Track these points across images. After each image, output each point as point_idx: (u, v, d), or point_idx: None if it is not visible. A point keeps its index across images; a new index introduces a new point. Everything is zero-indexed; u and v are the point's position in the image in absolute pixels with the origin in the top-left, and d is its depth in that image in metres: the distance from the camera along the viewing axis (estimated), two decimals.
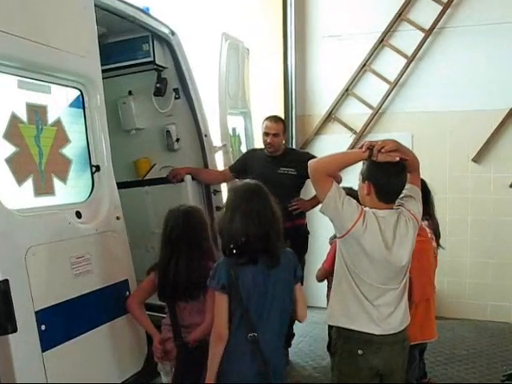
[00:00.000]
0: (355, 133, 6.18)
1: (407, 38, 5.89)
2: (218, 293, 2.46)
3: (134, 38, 4.21)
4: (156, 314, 3.17)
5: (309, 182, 4.52)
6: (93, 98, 2.75)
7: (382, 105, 6.05)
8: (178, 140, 4.44)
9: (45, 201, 2.50)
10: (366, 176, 2.53)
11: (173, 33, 4.22)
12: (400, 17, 5.90)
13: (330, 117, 6.28)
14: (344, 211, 2.44)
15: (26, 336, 2.22)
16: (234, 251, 2.45)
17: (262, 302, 2.46)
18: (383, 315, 2.52)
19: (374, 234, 2.46)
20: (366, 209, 2.50)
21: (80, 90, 2.74)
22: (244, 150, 5.42)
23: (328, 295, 3.63)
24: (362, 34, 6.00)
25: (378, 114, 6.09)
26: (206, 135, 4.44)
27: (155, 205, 4.56)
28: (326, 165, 2.53)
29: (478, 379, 4.39)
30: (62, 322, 2.43)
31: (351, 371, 2.54)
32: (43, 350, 2.30)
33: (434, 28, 5.76)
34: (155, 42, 4.20)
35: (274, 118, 4.48)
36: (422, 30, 5.81)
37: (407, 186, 2.60)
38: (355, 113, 6.20)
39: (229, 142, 4.87)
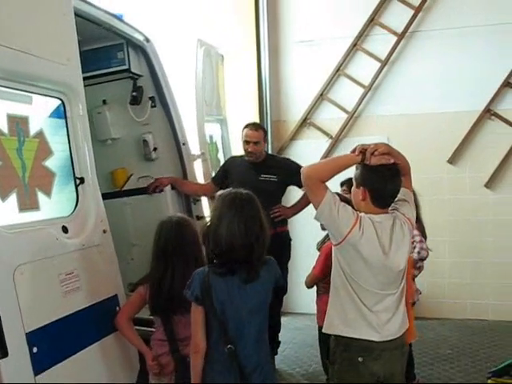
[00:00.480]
0: (331, 137, 6.19)
1: (380, 42, 5.94)
2: (193, 303, 2.41)
3: (109, 46, 4.12)
4: (144, 328, 3.07)
5: (290, 189, 4.58)
6: (75, 108, 2.65)
7: (356, 109, 6.08)
8: (155, 149, 4.35)
9: (30, 216, 2.39)
10: (361, 181, 2.50)
11: (148, 40, 4.15)
12: (373, 21, 5.94)
13: (306, 122, 6.28)
14: (340, 218, 2.40)
15: (17, 360, 2.12)
16: (215, 260, 2.39)
17: (239, 316, 2.39)
18: (382, 321, 2.48)
19: (370, 239, 2.42)
20: (362, 214, 2.47)
21: (61, 100, 2.64)
22: (221, 157, 5.39)
23: (317, 301, 3.60)
24: (335, 38, 6.01)
25: (353, 117, 6.12)
26: (183, 143, 4.38)
27: (134, 216, 4.46)
28: (319, 171, 2.48)
29: (464, 378, 4.41)
30: (54, 343, 2.33)
31: (352, 379, 2.50)
32: (36, 374, 2.20)
33: (406, 32, 5.83)
34: (130, 50, 4.12)
35: (255, 126, 4.44)
36: (394, 33, 5.87)
37: (401, 189, 2.58)
38: (330, 117, 6.21)
39: (207, 150, 4.80)
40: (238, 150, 5.63)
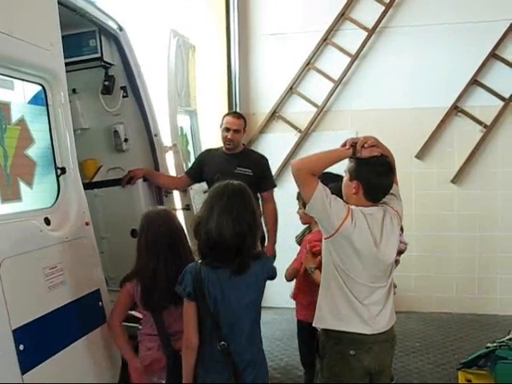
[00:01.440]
0: (300, 131, 6.19)
1: (350, 37, 5.97)
2: (185, 299, 2.37)
3: (80, 33, 3.96)
4: (130, 324, 2.97)
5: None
6: (57, 95, 2.53)
7: (326, 103, 6.10)
8: (126, 140, 4.21)
9: (12, 207, 2.27)
10: (355, 175, 2.49)
11: (121, 28, 4.01)
12: (343, 16, 5.96)
13: (274, 115, 6.26)
14: (332, 210, 2.39)
15: (4, 359, 2.01)
16: (208, 252, 2.35)
17: (233, 311, 2.36)
18: (373, 314, 2.49)
19: (363, 231, 2.43)
20: (353, 207, 2.46)
21: (43, 86, 2.51)
22: (191, 149, 5.31)
23: (296, 294, 3.56)
24: (306, 32, 6.01)
25: (322, 112, 6.14)
26: (155, 135, 4.25)
27: (104, 208, 4.32)
28: (311, 164, 2.45)
29: (433, 369, 4.51)
30: (40, 340, 2.22)
31: (343, 372, 2.49)
32: (23, 372, 2.09)
33: (376, 27, 5.87)
34: (102, 38, 3.97)
35: (236, 114, 4.41)
36: (364, 29, 5.90)
37: None
38: (300, 111, 6.21)
39: (179, 142, 4.70)
40: (207, 142, 5.58)
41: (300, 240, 3.57)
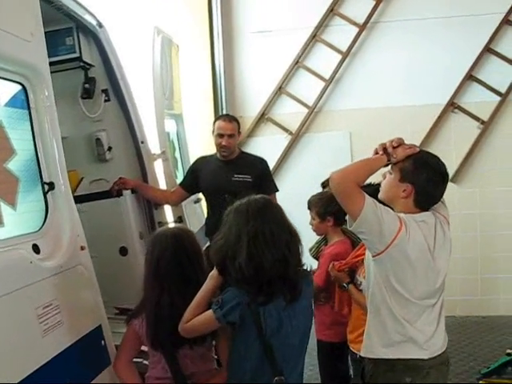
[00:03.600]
0: (291, 133, 5.91)
1: (340, 33, 5.73)
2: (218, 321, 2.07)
3: (55, 31, 3.56)
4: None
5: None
6: (40, 96, 2.15)
7: (317, 103, 5.83)
8: (110, 149, 3.84)
9: None
10: (410, 177, 2.20)
11: (100, 25, 3.65)
12: (332, 11, 5.71)
13: (263, 117, 5.96)
14: (385, 222, 2.12)
15: None
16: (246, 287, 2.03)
17: (289, 341, 2.08)
18: (427, 336, 2.23)
19: (418, 241, 2.17)
20: (402, 215, 2.19)
21: (23, 85, 2.12)
22: (178, 156, 4.97)
23: (316, 313, 3.24)
24: (294, 29, 5.73)
25: (313, 112, 5.87)
26: (142, 142, 3.91)
27: (90, 225, 3.90)
28: (354, 174, 2.18)
29: (452, 380, 4.20)
30: None
31: None
32: None
33: (367, 22, 5.64)
34: (80, 35, 3.61)
35: (228, 117, 4.04)
36: (355, 24, 5.66)
37: None
38: (290, 112, 5.93)
39: (168, 149, 4.35)
40: (194, 148, 5.24)
41: (316, 253, 3.26)
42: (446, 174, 2.27)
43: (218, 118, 4.09)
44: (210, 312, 2.08)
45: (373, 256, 2.22)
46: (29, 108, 2.14)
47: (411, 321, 2.23)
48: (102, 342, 2.32)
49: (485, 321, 5.59)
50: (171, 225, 4.16)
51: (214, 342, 2.33)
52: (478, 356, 4.67)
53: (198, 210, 4.78)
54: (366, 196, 2.13)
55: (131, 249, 3.75)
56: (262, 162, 4.09)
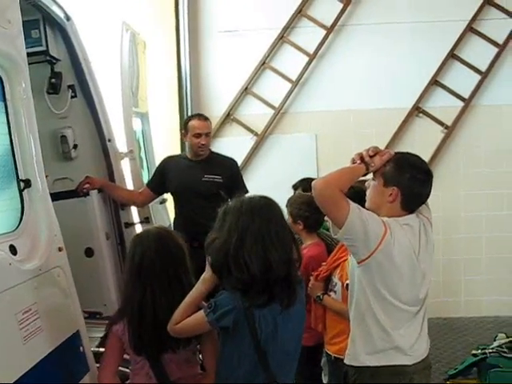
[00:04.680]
0: (256, 134, 5.85)
1: (308, 35, 5.72)
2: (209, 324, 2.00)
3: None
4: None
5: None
6: (17, 87, 2.02)
7: (283, 104, 5.80)
8: (75, 146, 3.69)
9: None
10: (395, 181, 2.19)
11: (68, 18, 3.51)
12: (300, 13, 5.69)
13: (229, 118, 5.88)
14: (370, 227, 2.09)
15: None
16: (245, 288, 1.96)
17: (284, 347, 2.03)
18: (411, 342, 2.22)
19: (403, 244, 2.15)
20: (385, 218, 2.14)
21: None
22: (143, 156, 4.85)
23: None
24: (261, 29, 5.69)
25: (279, 113, 5.84)
26: (109, 140, 3.78)
27: None
28: (337, 181, 2.14)
29: None
30: None
31: None
32: None
33: (335, 25, 5.65)
34: (47, 28, 3.46)
35: (203, 116, 3.98)
36: (323, 26, 5.67)
37: None
38: (255, 113, 5.88)
39: (135, 148, 4.23)
40: (158, 148, 5.12)
41: None
42: (430, 172, 2.26)
43: (191, 117, 4.02)
44: (201, 315, 2.01)
45: (358, 262, 2.19)
46: (4, 100, 2.01)
47: (396, 327, 2.21)
48: (81, 347, 2.21)
49: (446, 322, 5.69)
50: (138, 226, 4.06)
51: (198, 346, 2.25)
52: (443, 357, 4.76)
53: (163, 210, 4.68)
54: (350, 202, 2.10)
55: (97, 250, 3.64)
56: (232, 163, 4.06)
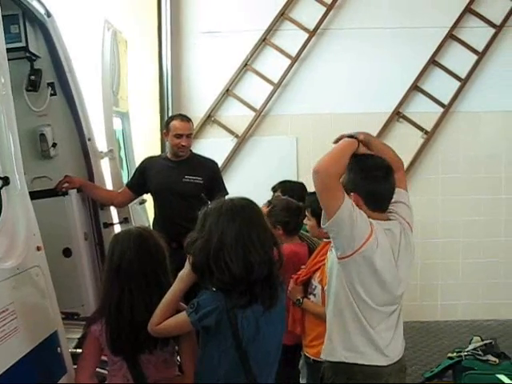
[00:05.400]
0: (237, 136, 5.83)
1: (290, 38, 5.71)
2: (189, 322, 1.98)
3: None
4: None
5: None
6: None
7: (264, 106, 5.79)
8: (54, 145, 3.65)
9: None
10: (351, 186, 2.20)
11: (49, 14, 3.46)
12: (283, 15, 5.68)
13: (209, 119, 5.85)
14: (358, 225, 2.09)
15: None
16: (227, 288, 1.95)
17: (265, 348, 2.02)
18: (386, 342, 2.23)
19: (385, 249, 2.15)
20: (372, 220, 2.15)
21: None
22: (123, 156, 4.81)
23: None
24: (243, 31, 5.66)
25: (260, 116, 5.82)
26: (89, 139, 3.75)
27: None
28: (337, 165, 2.11)
29: None
30: None
31: None
32: None
33: (317, 29, 5.65)
34: (27, 24, 3.41)
35: (185, 117, 3.97)
36: (305, 30, 5.67)
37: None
38: (236, 115, 5.85)
39: (115, 147, 4.19)
40: (138, 148, 5.07)
41: None
42: (384, 167, 2.22)
43: (172, 117, 3.99)
44: (183, 315, 2.00)
45: (338, 258, 2.18)
46: None
47: (373, 325, 2.22)
48: (59, 348, 2.17)
49: (423, 326, 5.74)
50: (117, 226, 4.02)
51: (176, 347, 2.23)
52: (419, 360, 4.81)
53: (143, 211, 4.65)
54: (346, 196, 2.09)
55: (75, 250, 3.60)
56: (213, 165, 4.07)
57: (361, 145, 2.21)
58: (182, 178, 3.81)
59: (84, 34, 4.25)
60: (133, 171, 4.78)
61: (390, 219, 2.25)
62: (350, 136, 2.24)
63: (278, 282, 2.05)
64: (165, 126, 3.95)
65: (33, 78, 3.52)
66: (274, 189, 4.14)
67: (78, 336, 2.70)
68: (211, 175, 3.93)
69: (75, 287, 3.48)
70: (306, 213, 3.08)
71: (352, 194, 2.18)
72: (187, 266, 2.05)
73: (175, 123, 3.86)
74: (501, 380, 3.73)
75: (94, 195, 3.74)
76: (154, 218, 4.06)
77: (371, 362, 2.20)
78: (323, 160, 2.12)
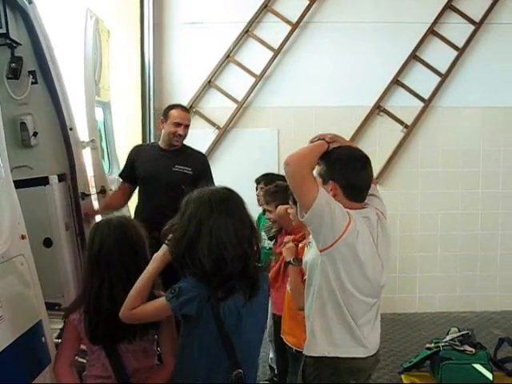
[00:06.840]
0: (218, 128, 5.81)
1: (273, 30, 5.70)
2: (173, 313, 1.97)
3: None
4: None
5: None
6: None
7: (246, 98, 5.77)
8: (35, 134, 3.62)
9: None
10: (329, 176, 2.22)
11: (30, 1, 3.42)
12: (266, 8, 5.67)
13: (191, 110, 5.77)
14: (337, 214, 2.10)
15: None
16: (206, 278, 1.93)
17: (247, 337, 2.01)
18: (365, 334, 2.25)
19: (365, 236, 2.18)
20: (348, 210, 2.16)
21: None
22: (104, 145, 4.79)
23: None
24: (226, 22, 5.64)
25: (242, 108, 5.80)
26: (71, 128, 3.72)
27: None
28: (308, 158, 2.16)
29: (375, 374, 4.35)
30: None
31: None
32: None
33: (300, 22, 5.65)
34: (8, 10, 3.36)
35: (184, 107, 4.04)
36: (288, 22, 5.66)
37: None
38: (218, 106, 5.82)
39: (97, 137, 4.17)
40: (120, 138, 5.04)
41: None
42: (362, 158, 2.27)
43: (172, 106, 3.98)
44: (162, 300, 1.96)
45: (321, 250, 2.19)
46: None
47: (355, 318, 2.23)
48: (43, 338, 2.15)
49: (401, 317, 5.82)
50: (98, 216, 3.99)
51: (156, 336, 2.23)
52: (398, 351, 4.87)
53: None
54: (320, 186, 2.12)
55: (56, 240, 3.59)
56: (203, 157, 4.14)
57: (331, 145, 2.24)
58: (171, 167, 3.82)
59: (66, 22, 4.20)
60: (114, 161, 4.76)
61: (364, 208, 2.28)
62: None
63: (257, 272, 2.04)
64: (163, 114, 3.93)
65: (13, 65, 3.46)
66: (258, 181, 4.23)
67: (60, 326, 2.68)
68: (201, 167, 3.95)
69: (56, 277, 3.46)
70: (289, 201, 3.09)
71: (331, 182, 2.20)
72: (163, 248, 2.04)
73: (175, 112, 3.88)
74: (477, 369, 3.80)
75: (113, 207, 3.93)
76: (137, 206, 4.03)
77: (352, 355, 2.22)
78: (293, 154, 2.16)
